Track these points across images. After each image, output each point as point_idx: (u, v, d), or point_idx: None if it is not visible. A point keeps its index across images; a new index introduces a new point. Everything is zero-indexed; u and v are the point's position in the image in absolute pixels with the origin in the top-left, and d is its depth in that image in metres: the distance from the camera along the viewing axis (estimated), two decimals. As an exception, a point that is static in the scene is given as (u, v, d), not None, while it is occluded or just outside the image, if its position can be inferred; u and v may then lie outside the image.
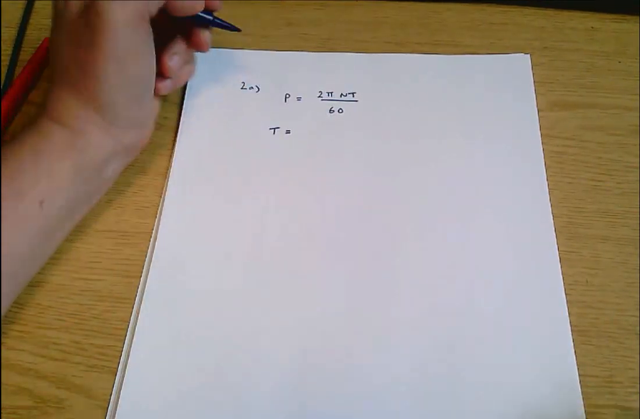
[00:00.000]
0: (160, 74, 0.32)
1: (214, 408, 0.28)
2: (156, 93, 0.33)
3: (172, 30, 0.33)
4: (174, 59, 0.33)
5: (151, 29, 0.29)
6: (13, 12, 0.43)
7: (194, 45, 0.33)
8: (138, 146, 0.33)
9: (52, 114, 0.30)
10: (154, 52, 0.30)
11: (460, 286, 0.31)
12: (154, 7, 0.29)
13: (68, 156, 0.29)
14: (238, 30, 0.35)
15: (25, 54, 0.41)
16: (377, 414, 0.28)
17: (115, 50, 0.28)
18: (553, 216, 0.33)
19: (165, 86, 0.33)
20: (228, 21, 0.34)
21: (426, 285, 0.31)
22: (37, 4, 0.43)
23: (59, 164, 0.29)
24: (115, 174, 0.33)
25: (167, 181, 0.35)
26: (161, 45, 0.32)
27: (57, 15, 0.30)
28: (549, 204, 0.33)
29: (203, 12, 0.32)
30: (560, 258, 0.31)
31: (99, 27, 0.27)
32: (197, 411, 0.28)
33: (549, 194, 0.34)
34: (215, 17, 0.33)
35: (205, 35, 0.33)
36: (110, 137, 0.30)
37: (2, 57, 0.41)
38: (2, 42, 0.41)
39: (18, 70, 0.39)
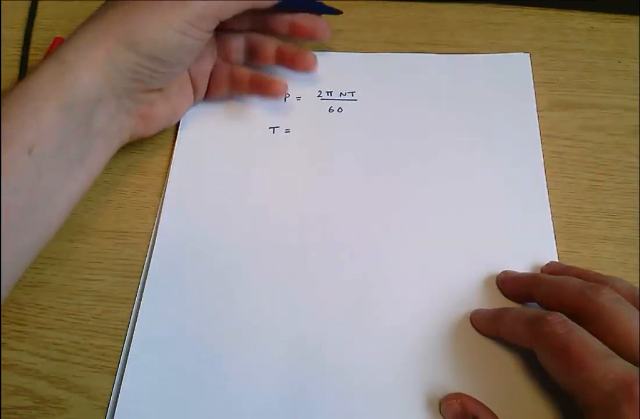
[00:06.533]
0: (309, 66, 0.36)
1: (213, 408, 0.28)
2: (280, 93, 0.35)
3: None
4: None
5: (210, 30, 0.31)
6: (15, 12, 0.43)
7: (314, 32, 0.35)
8: (134, 110, 0.32)
9: (59, 50, 0.29)
10: (202, 44, 0.31)
11: (458, 291, 0.31)
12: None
13: (52, 94, 0.27)
14: (339, 12, 0.37)
15: (32, 56, 0.41)
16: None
17: (170, 15, 0.29)
18: (553, 216, 0.33)
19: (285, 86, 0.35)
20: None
21: (426, 289, 0.31)
22: (39, 4, 0.43)
23: (43, 104, 0.27)
24: (107, 135, 0.31)
25: (167, 181, 0.35)
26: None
27: None
28: (549, 204, 0.33)
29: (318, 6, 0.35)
30: (560, 258, 0.31)
31: None
32: (197, 411, 0.28)
33: (549, 194, 0.34)
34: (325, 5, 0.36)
35: (323, 22, 0.35)
36: (104, 77, 0.29)
37: (9, 58, 0.40)
38: (2, 42, 0.41)
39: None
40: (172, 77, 0.32)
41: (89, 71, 0.28)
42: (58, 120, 0.27)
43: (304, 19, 0.34)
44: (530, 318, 0.26)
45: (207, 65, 0.35)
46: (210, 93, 0.36)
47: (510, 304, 0.30)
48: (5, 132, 0.26)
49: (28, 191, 0.27)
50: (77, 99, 0.28)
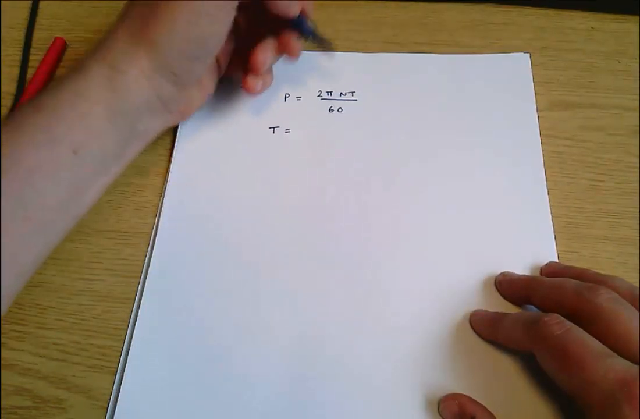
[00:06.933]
0: (251, 69, 0.33)
1: (213, 407, 0.28)
2: (248, 90, 0.34)
3: (267, 32, 0.33)
4: (266, 53, 0.33)
5: (235, 7, 0.29)
6: (15, 12, 0.43)
7: (283, 47, 0.33)
8: (176, 109, 0.32)
9: (102, 52, 0.29)
10: (228, 27, 0.30)
11: (458, 291, 0.31)
12: None
13: (103, 99, 0.28)
14: (331, 49, 0.35)
15: (32, 56, 0.41)
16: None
17: (194, 4, 0.28)
18: (553, 216, 0.33)
19: (256, 84, 0.34)
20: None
21: (427, 289, 0.31)
22: (40, 4, 0.43)
23: (94, 108, 0.28)
24: (148, 134, 0.32)
25: (167, 180, 0.35)
26: (255, 43, 0.33)
27: None
28: (549, 204, 0.33)
29: (300, 18, 0.33)
30: (560, 258, 0.31)
31: None
32: (197, 411, 0.28)
33: (549, 194, 0.34)
34: (310, 27, 0.33)
35: (295, 40, 0.33)
36: (150, 85, 0.30)
37: (9, 58, 0.41)
38: (2, 42, 0.41)
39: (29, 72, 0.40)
40: (206, 68, 0.32)
41: (138, 79, 0.29)
42: (106, 126, 0.28)
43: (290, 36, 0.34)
44: (527, 320, 0.26)
45: (229, 44, 0.34)
46: (229, 70, 0.36)
47: (509, 305, 0.30)
48: (54, 131, 0.27)
49: (68, 187, 0.27)
50: (126, 107, 0.29)
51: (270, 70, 0.35)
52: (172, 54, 0.29)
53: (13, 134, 0.26)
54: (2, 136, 0.26)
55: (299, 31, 0.33)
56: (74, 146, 0.27)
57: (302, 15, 0.33)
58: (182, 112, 0.33)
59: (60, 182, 0.27)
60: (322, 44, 0.35)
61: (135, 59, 0.29)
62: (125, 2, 0.31)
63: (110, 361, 0.30)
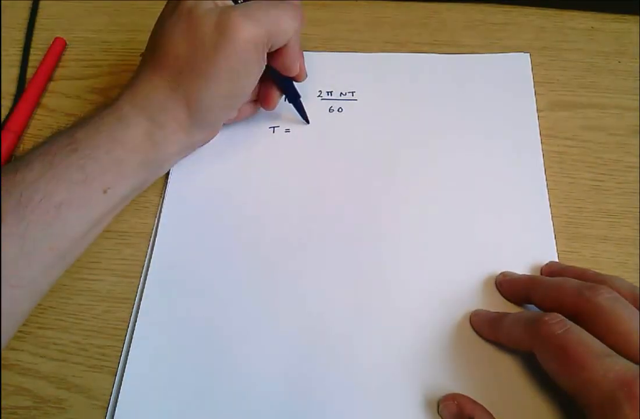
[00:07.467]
0: None
1: (213, 407, 0.28)
2: None
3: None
4: None
5: (265, 58, 0.31)
6: (15, 12, 0.43)
7: (261, 95, 0.35)
8: (200, 145, 0.34)
9: (140, 101, 0.30)
10: (260, 75, 0.31)
11: (458, 291, 0.31)
12: (274, 44, 0.30)
13: (140, 149, 0.30)
14: (306, 122, 0.37)
15: (32, 56, 0.41)
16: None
17: (233, 62, 0.29)
18: (553, 216, 0.33)
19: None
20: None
21: (427, 289, 0.31)
22: (40, 4, 0.43)
23: (130, 156, 0.29)
24: (169, 167, 0.34)
25: (167, 181, 0.35)
26: None
27: (183, 6, 0.30)
28: (549, 204, 0.33)
29: (290, 81, 0.34)
30: (560, 258, 0.31)
31: (228, 37, 0.28)
32: (197, 410, 0.28)
33: (549, 194, 0.34)
34: (298, 96, 0.35)
35: (275, 95, 0.35)
36: (186, 136, 0.31)
37: (9, 58, 0.41)
38: (2, 42, 0.41)
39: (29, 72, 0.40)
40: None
41: (175, 132, 0.31)
42: (138, 171, 0.30)
43: (272, 87, 0.35)
44: (528, 319, 0.26)
45: None
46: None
47: (509, 305, 0.30)
48: (88, 172, 0.28)
49: (92, 220, 0.29)
50: (161, 156, 0.31)
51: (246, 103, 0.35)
52: (210, 109, 0.31)
53: (48, 169, 0.27)
54: (37, 169, 0.27)
55: (285, 91, 0.35)
56: (105, 187, 0.29)
57: (295, 79, 0.34)
58: (204, 144, 0.34)
59: (87, 217, 0.28)
60: (300, 112, 0.36)
61: (174, 113, 0.30)
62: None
63: (110, 361, 0.30)
